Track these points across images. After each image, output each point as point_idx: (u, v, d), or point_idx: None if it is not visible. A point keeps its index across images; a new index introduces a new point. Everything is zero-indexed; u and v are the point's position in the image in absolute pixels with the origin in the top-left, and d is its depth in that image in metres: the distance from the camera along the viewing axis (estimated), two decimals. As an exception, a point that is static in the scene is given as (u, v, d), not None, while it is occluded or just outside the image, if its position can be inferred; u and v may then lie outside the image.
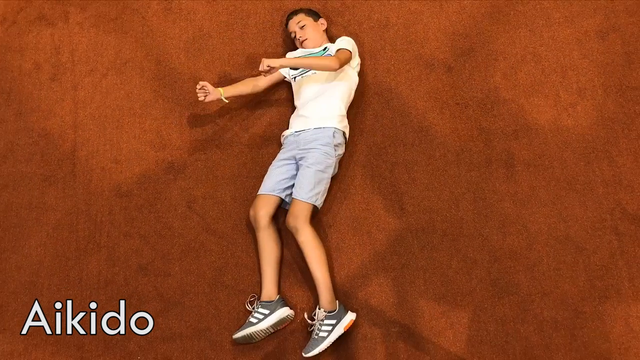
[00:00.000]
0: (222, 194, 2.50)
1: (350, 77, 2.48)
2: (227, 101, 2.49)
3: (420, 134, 2.53)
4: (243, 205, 2.47)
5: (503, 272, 2.33)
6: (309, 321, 2.24)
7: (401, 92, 2.61)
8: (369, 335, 2.26)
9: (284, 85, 2.65)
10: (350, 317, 2.22)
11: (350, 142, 2.52)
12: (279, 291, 2.32)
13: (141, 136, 2.62)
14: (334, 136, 2.36)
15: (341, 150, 2.42)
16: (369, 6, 2.77)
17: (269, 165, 2.50)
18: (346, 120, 2.46)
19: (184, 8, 2.83)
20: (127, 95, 2.69)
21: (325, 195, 2.37)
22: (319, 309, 2.21)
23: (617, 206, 2.39)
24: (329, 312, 2.20)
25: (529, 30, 2.67)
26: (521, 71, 2.61)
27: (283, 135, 2.49)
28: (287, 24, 2.63)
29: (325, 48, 2.53)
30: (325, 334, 2.17)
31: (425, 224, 2.39)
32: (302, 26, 2.54)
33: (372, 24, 2.74)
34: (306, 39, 2.53)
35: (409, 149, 2.51)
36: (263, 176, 2.49)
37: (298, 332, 2.29)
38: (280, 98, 2.63)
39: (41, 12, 2.88)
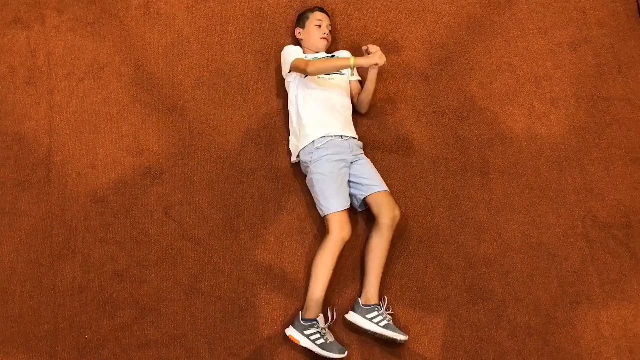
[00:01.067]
0: (200, 200, 2.49)
1: None
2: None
3: (397, 141, 2.56)
4: (220, 212, 2.46)
5: (478, 278, 2.36)
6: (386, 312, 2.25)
7: (379, 99, 2.63)
8: (346, 342, 2.27)
9: (262, 91, 2.65)
10: None
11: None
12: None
13: (118, 141, 2.59)
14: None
15: None
16: (347, 14, 2.79)
17: (247, 171, 2.51)
18: None
19: (163, 13, 2.82)
20: (105, 100, 2.67)
21: None
22: (383, 301, 2.27)
23: (589, 214, 2.44)
24: (370, 305, 2.24)
25: (505, 41, 2.73)
26: (497, 81, 2.66)
27: (326, 137, 2.34)
28: (317, 11, 2.60)
29: (334, 56, 2.57)
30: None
31: (402, 230, 2.42)
32: (330, 30, 2.60)
33: (350, 32, 2.76)
34: (328, 41, 2.59)
35: (386, 156, 2.53)
36: (241, 182, 2.50)
37: (274, 338, 2.29)
38: (259, 103, 2.63)
39: (17, 15, 2.85)
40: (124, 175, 2.54)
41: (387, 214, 2.29)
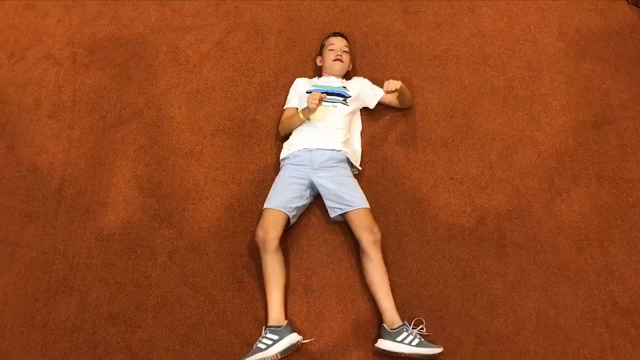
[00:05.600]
0: (206, 247, 2.42)
1: (359, 117, 2.69)
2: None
3: (412, 204, 2.51)
4: (226, 260, 2.39)
5: (489, 356, 2.22)
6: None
7: (397, 161, 2.61)
8: None
9: (282, 144, 2.64)
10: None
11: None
12: (287, 316, 2.24)
13: (131, 180, 2.57)
14: (347, 158, 2.48)
15: (356, 171, 2.54)
16: (371, 76, 2.81)
17: (257, 221, 2.46)
18: (358, 154, 2.58)
19: (191, 61, 2.87)
20: (123, 139, 2.67)
21: None
22: (383, 324, 2.19)
23: (609, 298, 2.33)
24: (396, 328, 2.16)
25: (527, 114, 2.72)
26: (517, 153, 2.63)
27: (289, 152, 2.47)
28: (331, 36, 2.75)
29: (345, 87, 2.60)
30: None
31: (412, 297, 2.31)
32: (346, 51, 2.69)
33: (373, 94, 2.78)
34: (342, 62, 2.65)
35: (401, 219, 2.47)
36: (251, 232, 2.44)
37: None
38: (275, 153, 2.62)
39: (50, 52, 2.92)
40: (133, 215, 2.50)
41: (366, 235, 2.27)
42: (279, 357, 2.13)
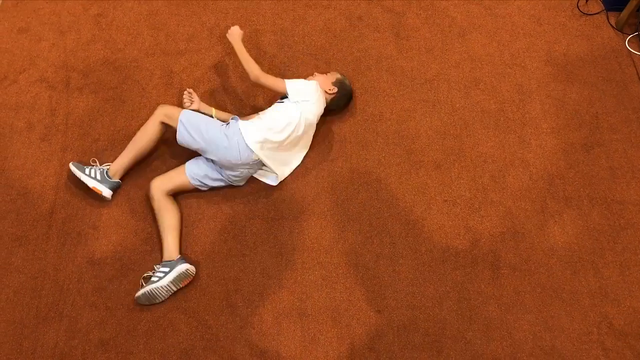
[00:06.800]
0: (199, 271, 2.40)
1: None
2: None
3: (407, 226, 2.51)
4: (219, 285, 2.37)
5: (485, 380, 2.20)
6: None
7: (390, 183, 2.61)
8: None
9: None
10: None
11: (336, 229, 2.49)
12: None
13: (124, 204, 2.55)
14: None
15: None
16: (364, 100, 2.85)
17: (251, 244, 2.45)
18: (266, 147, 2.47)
19: (185, 85, 2.88)
20: (116, 162, 2.66)
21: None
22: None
23: (604, 320, 2.32)
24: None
25: (518, 137, 2.75)
26: (509, 175, 2.65)
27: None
28: None
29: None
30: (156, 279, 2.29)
31: (408, 321, 2.30)
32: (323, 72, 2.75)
33: (366, 117, 2.80)
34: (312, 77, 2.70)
35: (395, 241, 2.47)
36: (244, 255, 2.43)
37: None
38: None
39: (43, 75, 2.92)
40: (125, 238, 2.47)
41: None
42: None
